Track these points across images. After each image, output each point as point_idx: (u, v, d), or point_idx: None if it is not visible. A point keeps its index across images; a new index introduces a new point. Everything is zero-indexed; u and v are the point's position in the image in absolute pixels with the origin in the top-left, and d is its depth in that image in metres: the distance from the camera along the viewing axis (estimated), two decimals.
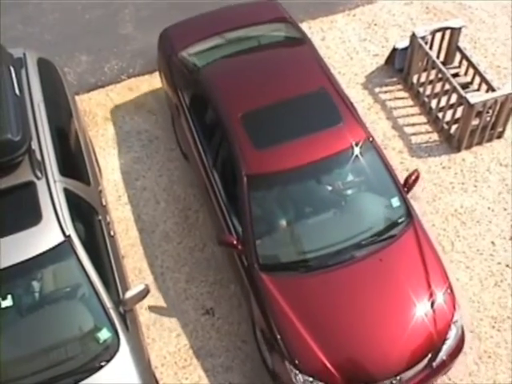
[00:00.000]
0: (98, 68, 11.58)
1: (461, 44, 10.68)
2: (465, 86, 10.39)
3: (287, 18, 10.11)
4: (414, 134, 10.42)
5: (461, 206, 9.62)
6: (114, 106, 11.00)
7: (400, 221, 8.11)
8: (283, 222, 8.03)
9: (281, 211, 8.11)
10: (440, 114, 10.35)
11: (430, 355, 7.52)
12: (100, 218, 8.14)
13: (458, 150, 10.16)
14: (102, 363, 6.94)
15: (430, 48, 10.62)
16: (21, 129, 7.42)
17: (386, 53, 11.34)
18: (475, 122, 9.89)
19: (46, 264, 7.13)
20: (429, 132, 10.46)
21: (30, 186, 7.41)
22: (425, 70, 10.59)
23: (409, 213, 8.17)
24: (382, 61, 11.40)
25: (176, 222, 9.57)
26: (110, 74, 11.49)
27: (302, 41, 9.68)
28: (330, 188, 8.22)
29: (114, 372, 6.94)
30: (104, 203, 8.58)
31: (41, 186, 7.43)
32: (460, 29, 10.56)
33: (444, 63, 10.68)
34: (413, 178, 8.39)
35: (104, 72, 11.51)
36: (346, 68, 11.33)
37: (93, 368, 6.91)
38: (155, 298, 8.82)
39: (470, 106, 9.61)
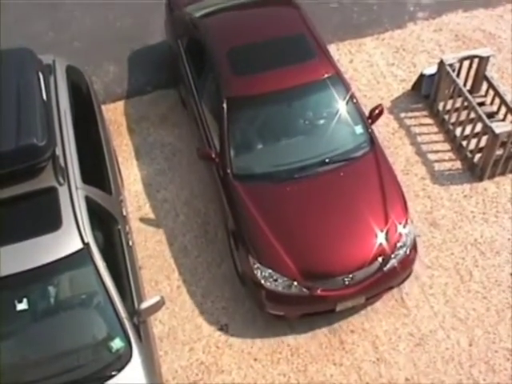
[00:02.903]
0: (124, 78, 11.69)
1: (488, 73, 10.67)
2: (490, 116, 10.34)
3: None
4: (437, 161, 10.39)
5: (481, 235, 9.55)
6: (139, 117, 11.06)
7: (362, 146, 9.09)
8: (256, 138, 9.07)
9: (255, 129, 9.17)
10: (464, 143, 10.33)
11: (380, 260, 8.36)
12: (119, 227, 8.16)
13: (481, 179, 10.11)
14: (113, 372, 6.93)
15: (458, 76, 10.61)
16: (46, 134, 7.46)
17: (413, 78, 11.34)
18: (499, 152, 9.85)
19: (63, 270, 7.15)
20: (452, 160, 10.42)
21: (51, 192, 7.44)
22: (451, 98, 10.57)
23: (371, 141, 9.14)
24: (408, 86, 11.40)
25: (195, 235, 9.58)
26: (137, 85, 11.59)
27: (292, 2, 10.65)
28: (300, 112, 9.30)
29: (125, 382, 6.91)
30: (124, 213, 8.61)
31: (62, 192, 7.45)
32: (488, 58, 10.56)
33: (471, 91, 10.66)
34: (376, 111, 9.42)
35: (131, 83, 11.62)
36: (372, 92, 11.34)
37: (103, 377, 6.90)
38: (170, 311, 8.83)
39: (495, 135, 9.58)
